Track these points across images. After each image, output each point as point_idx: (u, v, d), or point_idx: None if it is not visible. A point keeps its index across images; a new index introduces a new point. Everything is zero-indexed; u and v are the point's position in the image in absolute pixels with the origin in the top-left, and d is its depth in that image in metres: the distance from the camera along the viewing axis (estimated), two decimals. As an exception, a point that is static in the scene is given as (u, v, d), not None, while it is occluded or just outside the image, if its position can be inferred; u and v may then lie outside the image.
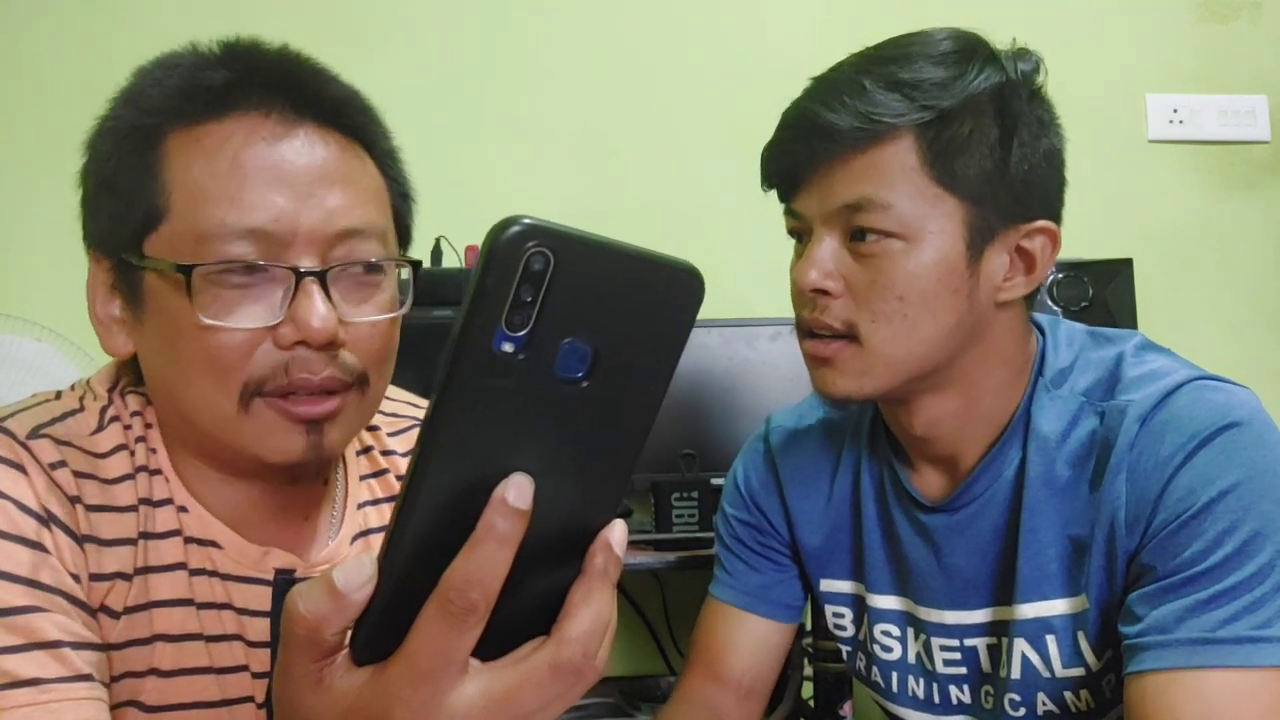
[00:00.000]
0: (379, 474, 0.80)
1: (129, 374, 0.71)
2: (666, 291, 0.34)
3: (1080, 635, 0.80)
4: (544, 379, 0.33)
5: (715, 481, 1.73)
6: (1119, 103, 2.11)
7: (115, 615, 0.64)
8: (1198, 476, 0.73)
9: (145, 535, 0.66)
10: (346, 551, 0.75)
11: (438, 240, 1.72)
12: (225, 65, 0.65)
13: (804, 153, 0.81)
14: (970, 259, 0.79)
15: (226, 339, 0.61)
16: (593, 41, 2.05)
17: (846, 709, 1.49)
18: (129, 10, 1.98)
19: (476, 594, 0.33)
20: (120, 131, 0.65)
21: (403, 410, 0.85)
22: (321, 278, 0.62)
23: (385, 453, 0.81)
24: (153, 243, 0.63)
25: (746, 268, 2.02)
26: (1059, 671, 0.82)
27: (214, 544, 0.68)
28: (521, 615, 0.36)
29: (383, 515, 0.79)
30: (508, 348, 0.32)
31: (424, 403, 0.87)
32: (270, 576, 0.70)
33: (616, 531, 0.37)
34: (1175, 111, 2.11)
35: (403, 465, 0.82)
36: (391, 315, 0.67)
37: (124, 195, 0.64)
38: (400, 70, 2.00)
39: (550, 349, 0.32)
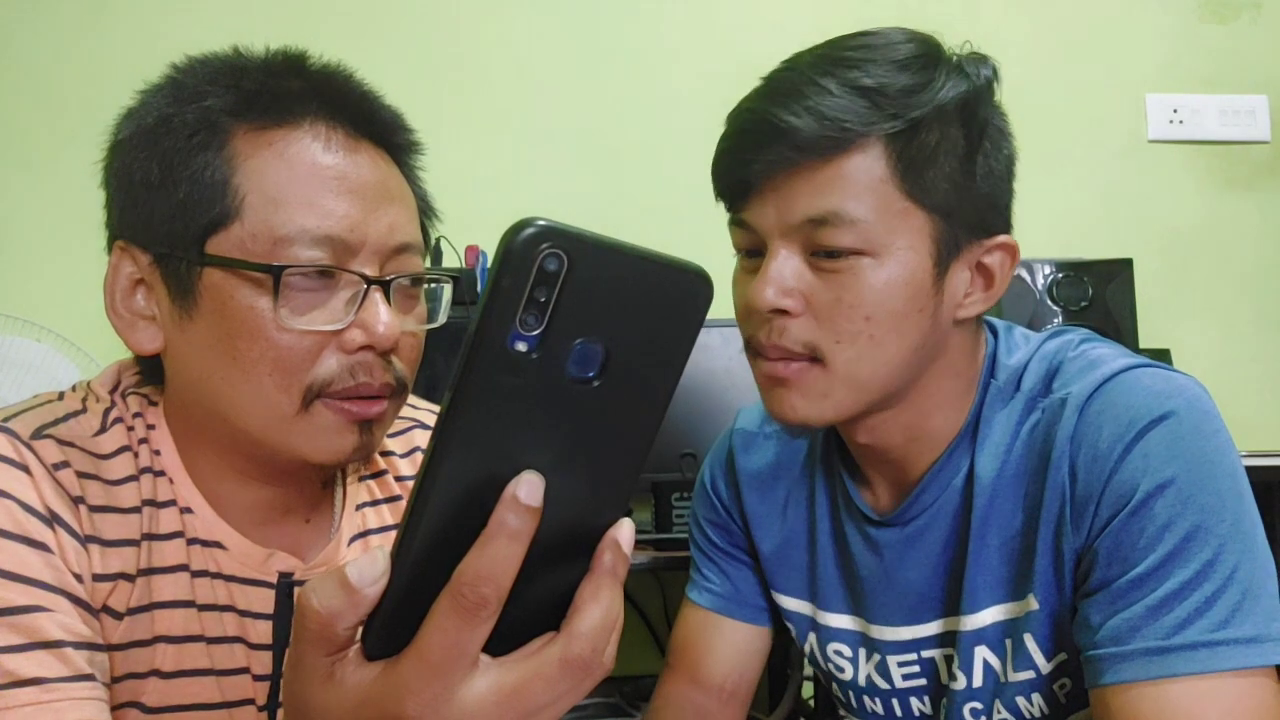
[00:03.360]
0: (377, 475, 0.80)
1: (130, 376, 0.71)
2: (677, 293, 0.34)
3: (1027, 637, 0.78)
4: (556, 378, 0.33)
5: (715, 481, 1.73)
6: (1119, 103, 2.11)
7: (118, 616, 0.64)
8: (1136, 470, 0.71)
9: (149, 536, 0.66)
10: (344, 553, 0.75)
11: (438, 240, 1.72)
12: (297, 75, 0.67)
13: (761, 160, 0.74)
14: (936, 276, 0.75)
15: (298, 340, 0.62)
16: (593, 41, 2.05)
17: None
18: (131, 11, 1.98)
19: (489, 589, 0.34)
20: (180, 128, 0.64)
21: (402, 412, 0.84)
22: (386, 287, 0.64)
23: (384, 454, 0.81)
24: (219, 241, 0.62)
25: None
26: (1010, 675, 0.80)
27: (218, 545, 0.68)
28: (531, 611, 0.36)
29: (381, 516, 0.79)
30: (521, 347, 0.32)
31: (422, 404, 0.87)
32: (274, 579, 0.70)
33: (624, 530, 0.37)
34: (1175, 111, 2.11)
35: (401, 466, 0.82)
36: (431, 326, 0.70)
37: (185, 192, 0.63)
38: (401, 70, 2.00)
39: (563, 348, 0.33)
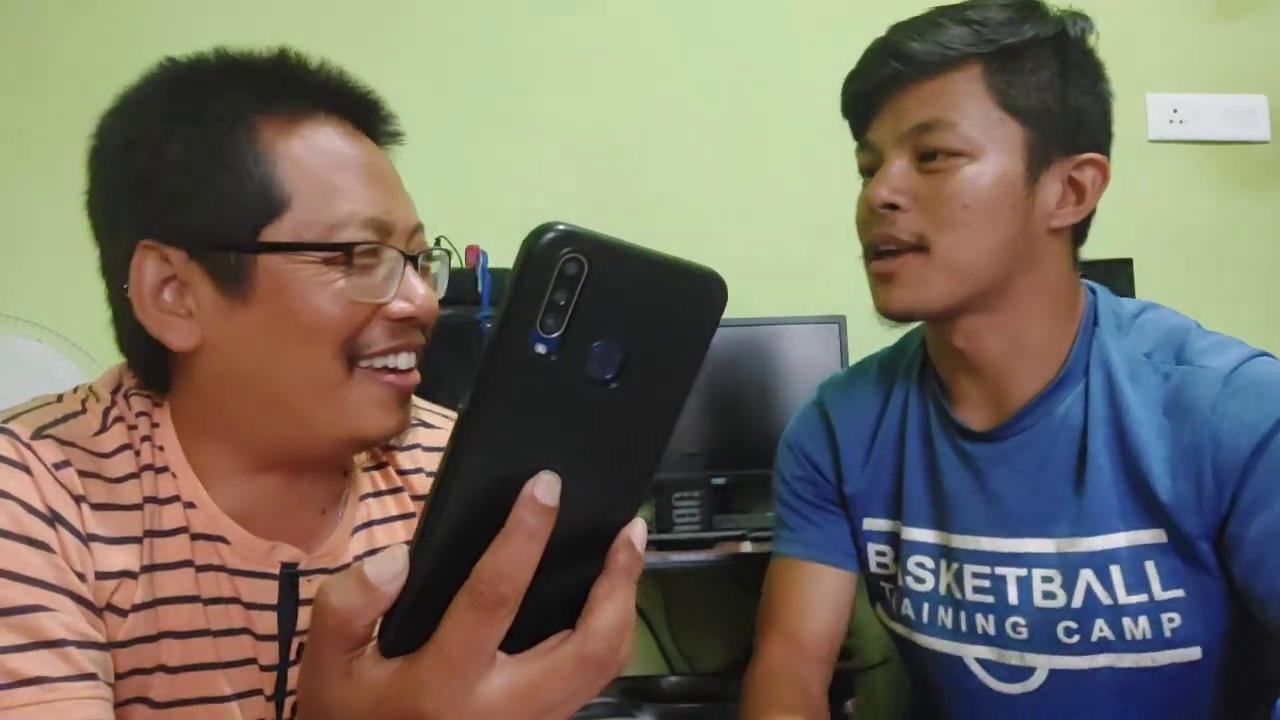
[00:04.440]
0: (380, 467, 0.81)
1: (131, 379, 0.72)
2: (692, 296, 0.35)
3: (1149, 565, 0.85)
4: (575, 379, 0.34)
5: (716, 481, 1.73)
6: (1119, 102, 2.10)
7: (123, 613, 0.64)
8: None
9: (151, 533, 0.66)
10: (347, 543, 0.76)
11: (438, 240, 1.72)
12: (309, 72, 0.70)
13: (882, 75, 0.89)
14: (1028, 180, 0.86)
15: (357, 311, 0.67)
16: (595, 41, 2.06)
17: (850, 706, 1.49)
18: (132, 12, 1.98)
19: (507, 587, 0.34)
20: (203, 125, 0.65)
21: None
22: (414, 261, 0.71)
23: (385, 447, 0.82)
24: (273, 231, 0.65)
25: (750, 267, 2.02)
26: (1121, 599, 0.86)
27: (222, 539, 0.69)
28: (545, 610, 0.36)
29: (385, 507, 0.79)
30: (541, 349, 0.33)
31: (425, 406, 0.88)
32: (277, 570, 0.71)
33: (638, 529, 0.38)
34: (1176, 111, 2.11)
35: (401, 460, 0.83)
36: (438, 297, 0.75)
37: (227, 187, 0.64)
38: (401, 71, 2.00)
39: (581, 351, 0.34)
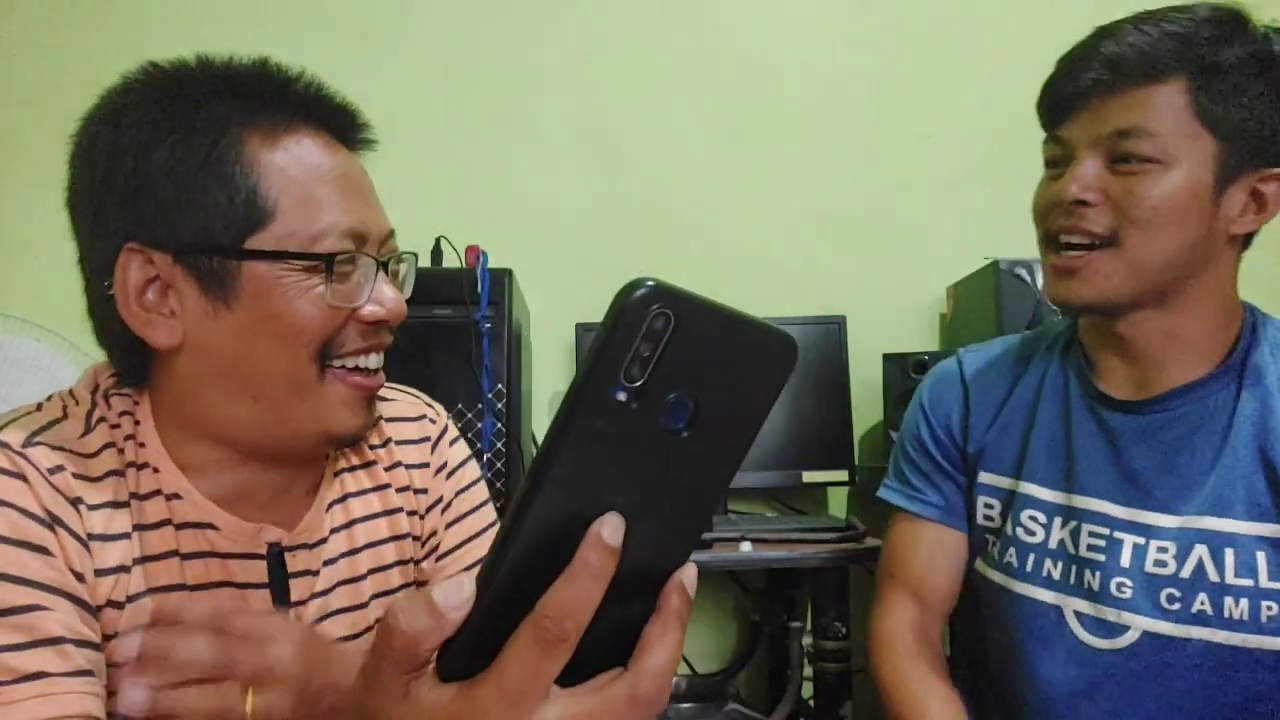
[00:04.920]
0: (354, 444, 0.84)
1: (107, 379, 0.74)
2: (765, 355, 0.36)
3: (1260, 555, 0.92)
4: (649, 427, 0.35)
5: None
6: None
7: (120, 606, 0.67)
8: None
9: (139, 527, 0.69)
10: (324, 518, 0.79)
11: (438, 240, 1.72)
12: (292, 84, 0.73)
13: (1084, 81, 0.93)
14: (1215, 191, 0.91)
15: (335, 315, 0.71)
16: (594, 42, 2.06)
17: (846, 709, 1.49)
18: (131, 15, 1.98)
19: (570, 623, 0.36)
20: (189, 135, 0.67)
21: None
22: (386, 267, 0.75)
23: None
24: (259, 239, 0.68)
25: (746, 267, 2.03)
26: (1229, 579, 0.92)
27: (210, 525, 0.72)
28: (599, 645, 0.38)
29: (359, 481, 0.83)
30: (621, 396, 0.35)
31: (394, 386, 0.92)
32: (263, 550, 0.75)
33: (690, 574, 0.39)
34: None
35: (370, 437, 0.86)
36: (405, 297, 0.79)
37: (214, 196, 0.67)
38: (401, 72, 2.00)
39: (658, 401, 0.35)
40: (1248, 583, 0.92)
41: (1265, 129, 0.92)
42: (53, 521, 0.63)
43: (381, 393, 0.88)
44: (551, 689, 0.37)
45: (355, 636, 0.78)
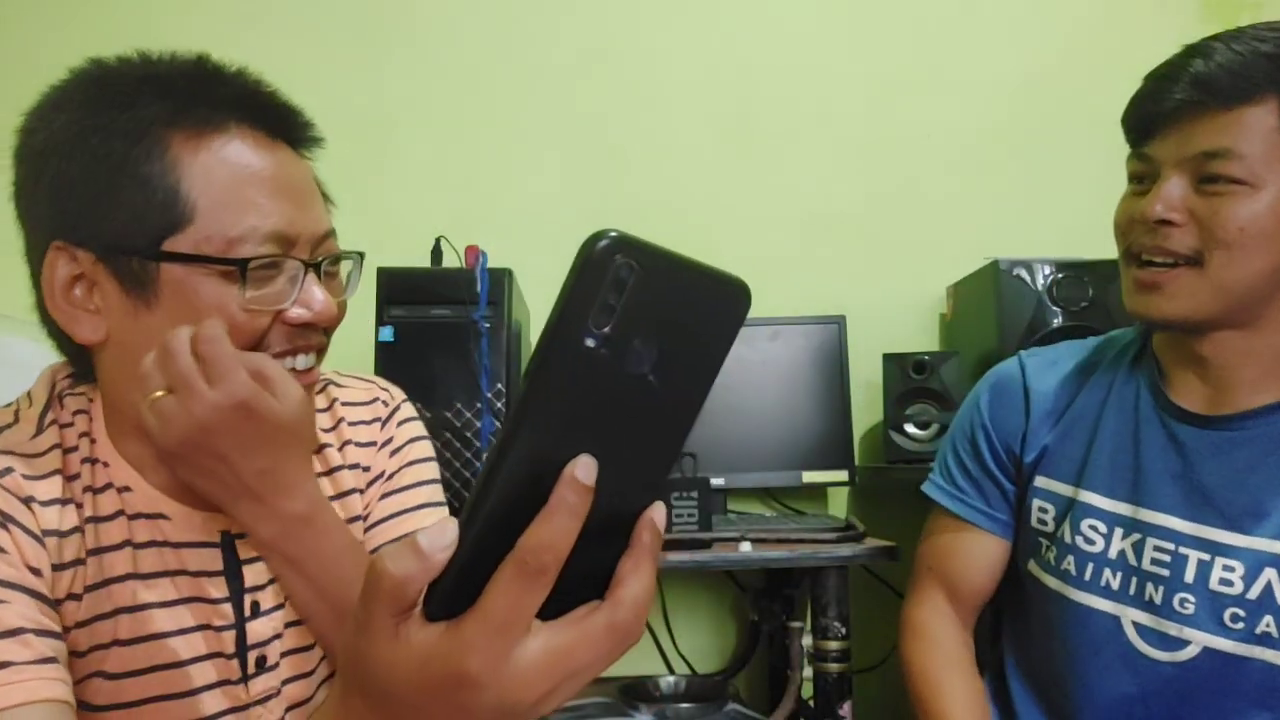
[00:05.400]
0: None
1: (64, 380, 0.77)
2: (721, 301, 0.39)
3: None
4: (616, 372, 0.37)
5: (715, 481, 1.73)
6: (1120, 102, 2.11)
7: (78, 598, 0.70)
8: None
9: (93, 519, 0.72)
10: None
11: (438, 240, 1.72)
12: (216, 82, 0.73)
13: (1172, 101, 0.93)
14: None
15: (255, 318, 0.71)
16: (594, 42, 2.05)
17: (846, 709, 1.49)
18: (129, 12, 1.98)
19: (549, 557, 0.37)
20: (119, 136, 0.68)
21: None
22: (317, 269, 0.74)
23: None
24: (176, 241, 0.68)
25: (745, 267, 2.01)
26: None
27: (162, 515, 0.74)
28: (576, 581, 0.39)
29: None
30: (591, 343, 0.36)
31: (346, 371, 0.94)
32: (217, 539, 0.76)
33: (659, 511, 0.41)
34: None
35: (322, 419, 0.87)
36: (345, 298, 0.80)
37: (133, 197, 0.68)
38: (401, 72, 2.00)
39: (625, 346, 0.37)
40: None
41: None
42: (5, 520, 0.66)
43: (338, 380, 0.91)
44: (533, 622, 0.39)
45: None
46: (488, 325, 1.49)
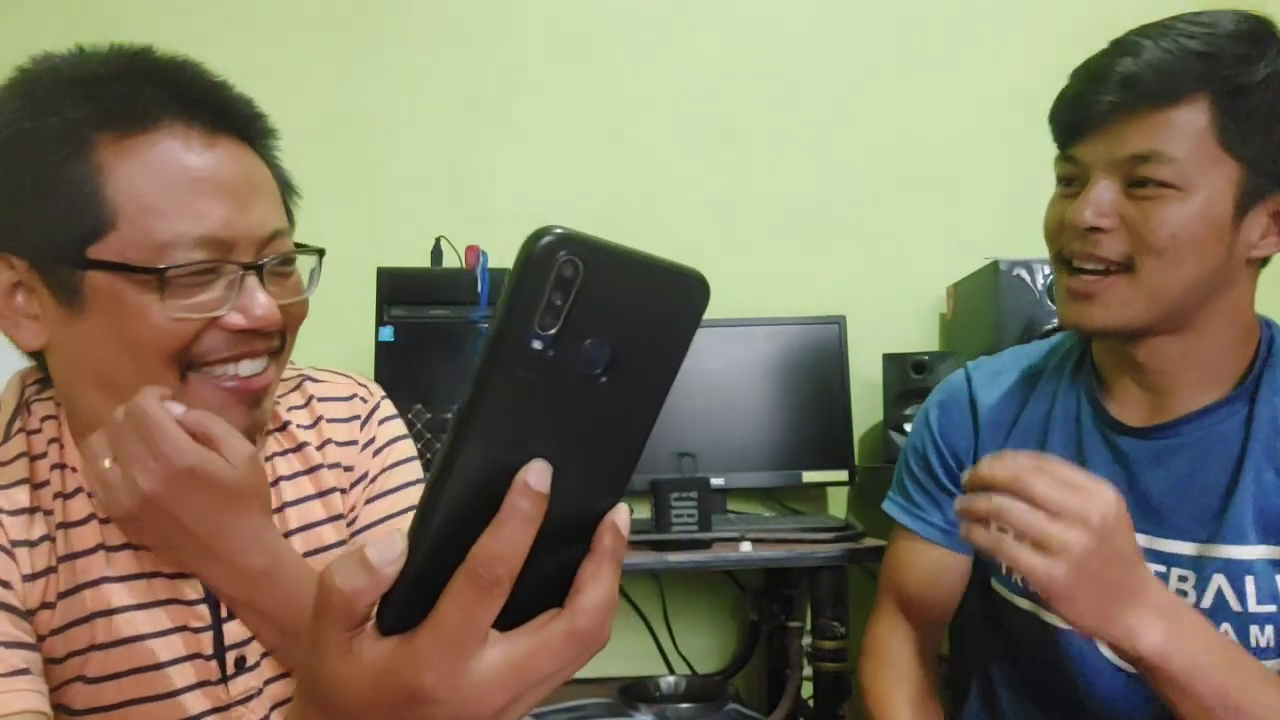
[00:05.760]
0: (283, 428, 0.84)
1: (32, 385, 0.76)
2: (677, 296, 0.37)
3: (1279, 579, 0.88)
4: (567, 374, 0.36)
5: (714, 481, 1.73)
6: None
7: (51, 605, 0.69)
8: None
9: (64, 525, 0.71)
10: None
11: (438, 240, 1.72)
12: (150, 78, 0.69)
13: (1099, 102, 0.88)
14: (1236, 216, 0.87)
15: (186, 327, 0.68)
16: (593, 42, 2.05)
17: (845, 709, 1.49)
18: (131, 12, 1.98)
19: (502, 568, 0.36)
20: (43, 141, 0.66)
21: (287, 372, 0.88)
22: (260, 271, 0.71)
23: (286, 408, 0.86)
24: (100, 249, 0.66)
25: (746, 267, 2.03)
26: (1251, 607, 0.89)
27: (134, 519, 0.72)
28: (535, 589, 0.38)
29: (290, 465, 0.83)
30: (537, 345, 0.35)
31: (300, 365, 0.91)
32: None
33: (622, 514, 0.40)
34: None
35: (299, 416, 0.86)
36: (304, 297, 0.77)
37: (57, 204, 0.66)
38: (401, 72, 2.00)
39: (574, 347, 0.36)
40: (1270, 609, 0.89)
41: None
42: None
43: (314, 375, 0.89)
44: (490, 633, 0.38)
45: None
46: (488, 325, 1.49)
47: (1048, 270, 1.67)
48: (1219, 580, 0.90)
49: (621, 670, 1.78)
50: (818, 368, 1.84)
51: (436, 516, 0.37)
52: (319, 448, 0.84)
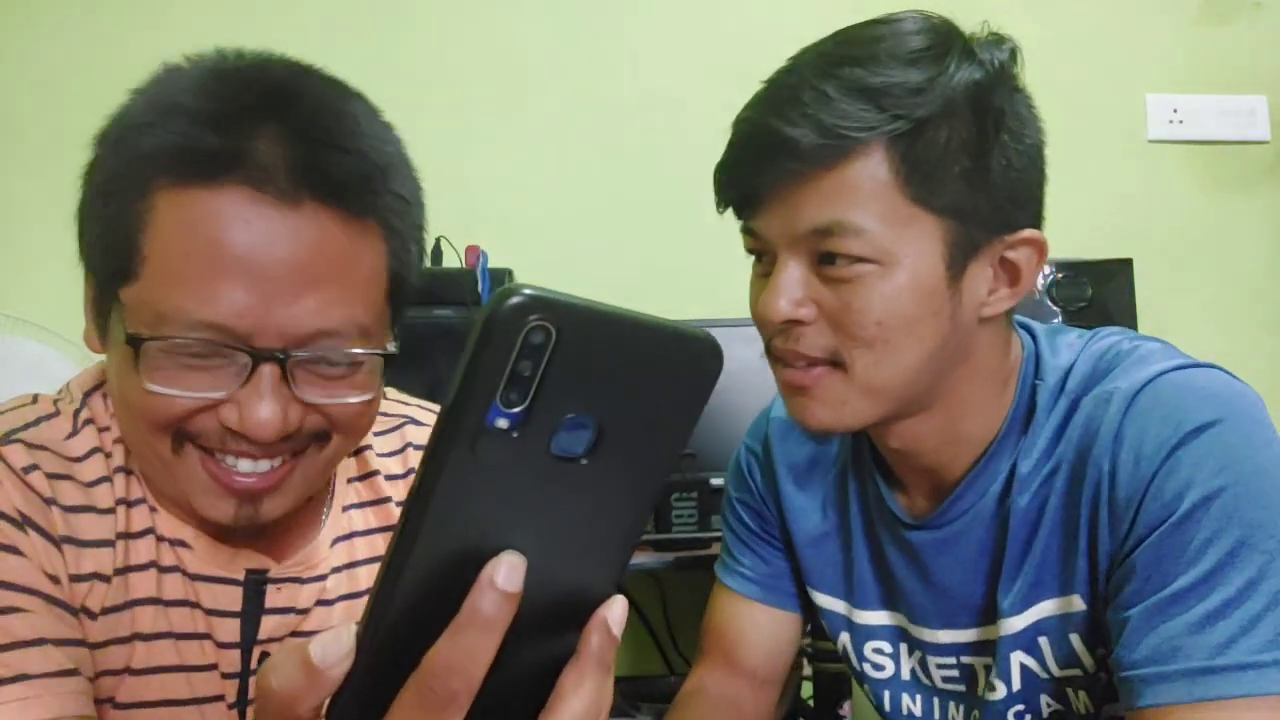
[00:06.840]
0: (366, 477, 0.79)
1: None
2: (679, 363, 0.32)
3: (1074, 637, 0.77)
4: (541, 455, 0.31)
5: (715, 481, 1.73)
6: (1119, 103, 2.11)
7: (94, 616, 0.65)
8: (1181, 479, 0.68)
9: (124, 535, 0.67)
10: (326, 554, 0.74)
11: (438, 240, 1.72)
12: (222, 125, 0.59)
13: (764, 172, 0.73)
14: (950, 278, 0.72)
15: (170, 403, 0.60)
16: (594, 42, 2.05)
17: (846, 708, 1.49)
18: (135, 11, 1.98)
19: (458, 683, 0.31)
20: (114, 172, 0.63)
21: (392, 409, 0.84)
22: (282, 365, 0.60)
23: (377, 454, 0.81)
24: (126, 292, 0.62)
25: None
26: (1056, 672, 0.79)
27: (183, 543, 0.69)
28: (510, 694, 0.34)
29: (368, 519, 0.78)
30: (502, 423, 0.30)
31: (415, 402, 0.86)
32: (240, 576, 0.70)
33: (615, 609, 0.35)
34: (1175, 111, 2.11)
35: (391, 465, 0.80)
36: (362, 399, 0.64)
37: (108, 239, 0.63)
38: (400, 72, 2.00)
39: (548, 425, 0.31)
40: (1076, 672, 0.78)
41: (995, 186, 0.71)
42: (24, 521, 0.61)
43: (420, 418, 0.83)
44: None
45: None
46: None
47: (1047, 270, 1.67)
48: (1018, 657, 0.80)
49: (622, 670, 1.78)
50: (818, 367, 1.84)
51: (388, 614, 0.32)
52: (401, 477, 0.79)
